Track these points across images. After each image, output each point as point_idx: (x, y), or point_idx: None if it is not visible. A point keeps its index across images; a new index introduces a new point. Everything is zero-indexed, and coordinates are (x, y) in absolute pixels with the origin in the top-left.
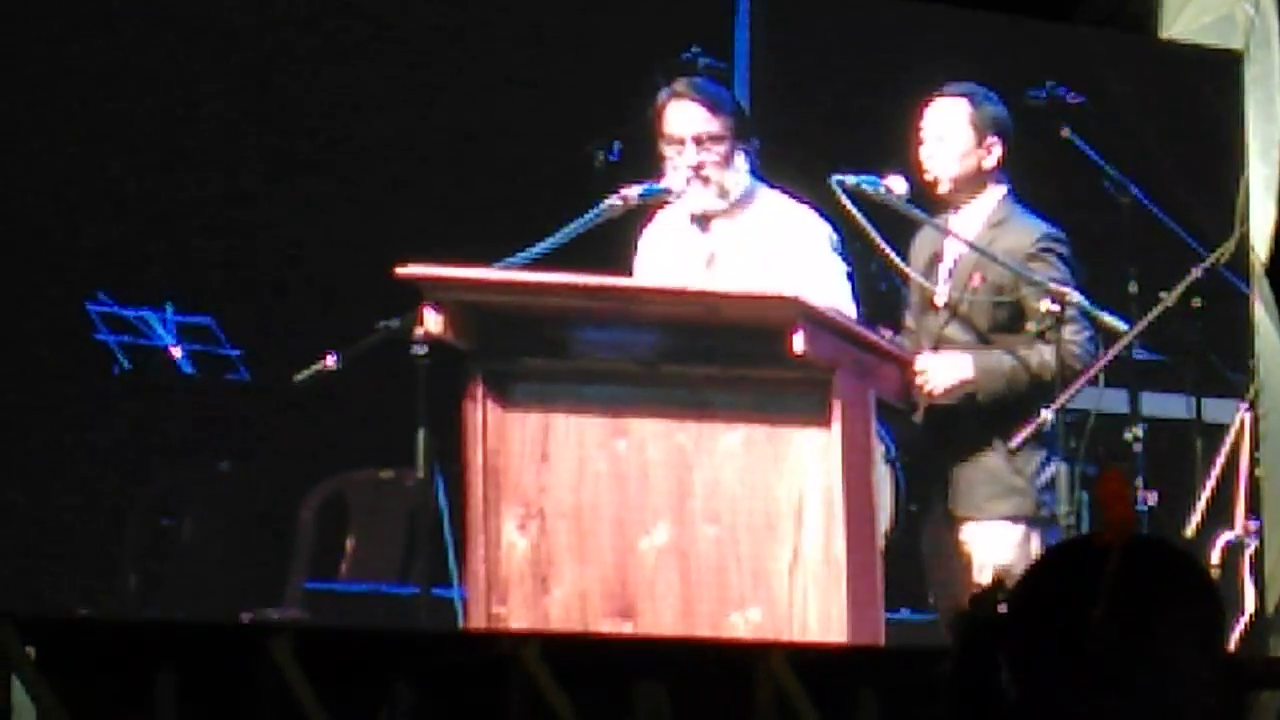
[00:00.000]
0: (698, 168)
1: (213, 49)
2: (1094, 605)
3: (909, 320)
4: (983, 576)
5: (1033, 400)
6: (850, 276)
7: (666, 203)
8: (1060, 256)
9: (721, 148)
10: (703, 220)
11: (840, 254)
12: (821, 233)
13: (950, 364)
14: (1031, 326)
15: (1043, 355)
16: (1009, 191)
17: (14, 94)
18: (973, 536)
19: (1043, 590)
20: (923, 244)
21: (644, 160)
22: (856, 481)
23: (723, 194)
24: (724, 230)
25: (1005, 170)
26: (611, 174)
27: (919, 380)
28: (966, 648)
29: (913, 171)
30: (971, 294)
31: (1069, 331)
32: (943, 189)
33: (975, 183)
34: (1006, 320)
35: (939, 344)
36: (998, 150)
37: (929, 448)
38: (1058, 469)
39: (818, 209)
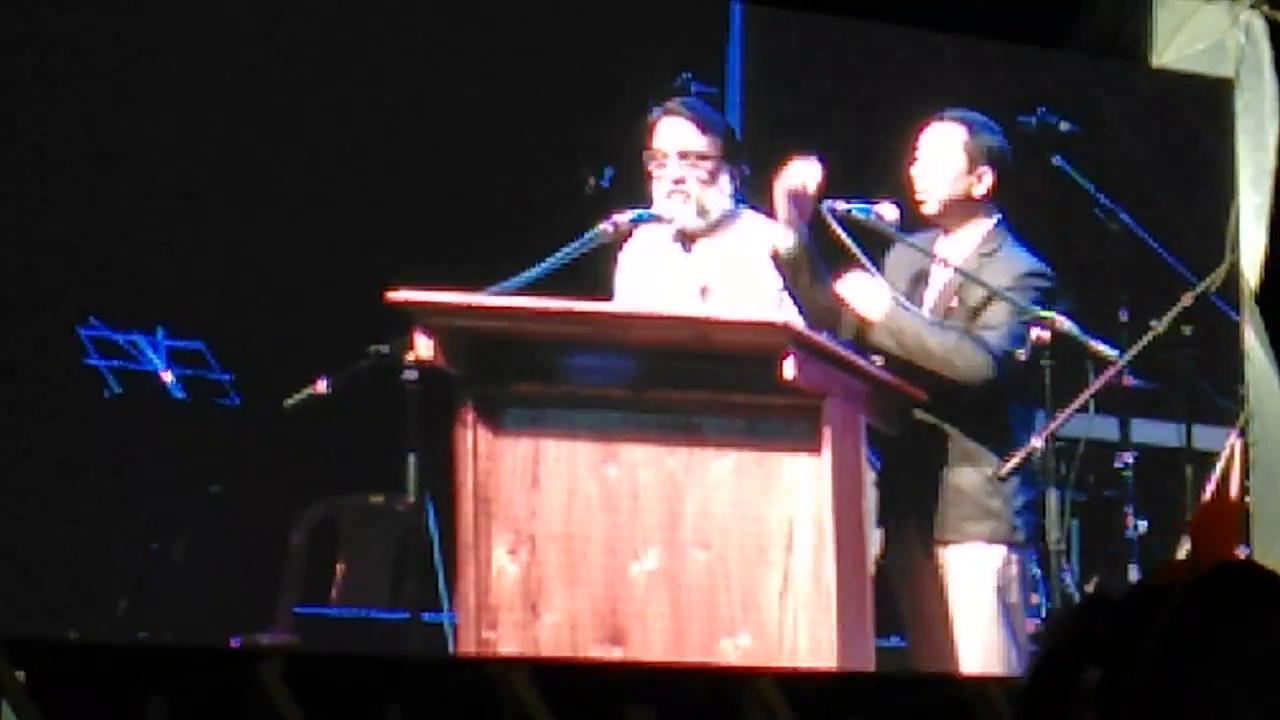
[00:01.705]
0: (678, 181)
1: (206, 76)
2: (1140, 658)
3: None
4: (958, 600)
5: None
6: None
7: None
8: (1040, 292)
9: (707, 165)
10: (685, 240)
11: None
12: None
13: (870, 290)
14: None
15: (961, 345)
16: (1001, 221)
17: (6, 115)
18: (950, 560)
19: (1115, 629)
20: (907, 264)
21: (635, 186)
22: (847, 507)
23: (701, 212)
24: (709, 252)
25: (998, 200)
26: (603, 199)
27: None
28: (1038, 673)
29: (904, 191)
30: (949, 317)
31: (986, 333)
32: (929, 209)
33: (965, 209)
34: None
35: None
36: (989, 179)
37: (901, 470)
38: (1037, 494)
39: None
